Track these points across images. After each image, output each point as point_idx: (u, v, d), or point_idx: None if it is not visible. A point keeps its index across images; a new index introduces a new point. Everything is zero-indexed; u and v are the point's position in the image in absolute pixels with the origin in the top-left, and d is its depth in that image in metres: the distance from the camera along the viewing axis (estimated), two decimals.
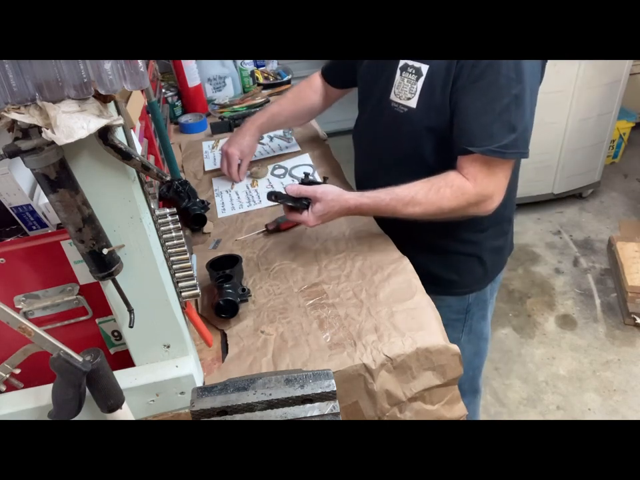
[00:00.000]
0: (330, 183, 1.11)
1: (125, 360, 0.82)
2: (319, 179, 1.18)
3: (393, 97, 1.09)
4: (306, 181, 1.09)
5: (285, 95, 1.47)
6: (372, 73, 1.16)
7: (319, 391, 0.62)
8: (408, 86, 1.05)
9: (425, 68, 1.02)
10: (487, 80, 0.95)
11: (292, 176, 1.43)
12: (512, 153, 0.99)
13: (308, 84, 1.42)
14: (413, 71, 1.04)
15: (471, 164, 1.01)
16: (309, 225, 1.06)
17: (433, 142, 1.07)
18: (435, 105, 1.03)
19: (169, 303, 0.75)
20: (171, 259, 0.77)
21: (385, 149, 1.16)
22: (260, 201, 1.34)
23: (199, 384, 0.82)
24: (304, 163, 1.48)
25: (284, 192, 1.05)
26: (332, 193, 1.05)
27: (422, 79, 1.03)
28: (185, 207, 1.23)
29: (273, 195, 1.06)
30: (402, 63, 1.07)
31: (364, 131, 1.24)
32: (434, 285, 1.17)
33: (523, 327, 2.33)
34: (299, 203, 1.06)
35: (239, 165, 1.43)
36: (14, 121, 0.54)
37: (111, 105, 0.60)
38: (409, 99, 1.06)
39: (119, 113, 0.62)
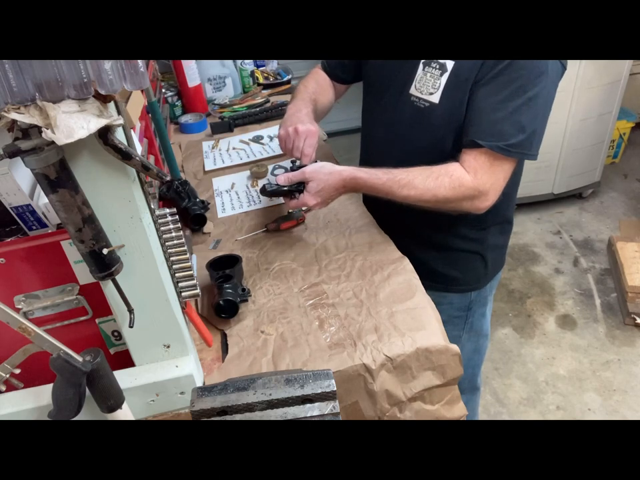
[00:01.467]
0: None
1: (125, 360, 0.82)
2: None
3: (413, 90, 1.08)
4: (294, 167, 1.09)
5: (305, 83, 1.30)
6: (389, 65, 1.14)
7: (319, 391, 0.62)
8: (431, 81, 1.04)
9: (450, 64, 1.01)
10: (505, 78, 0.95)
11: None
12: (517, 153, 0.99)
13: (319, 76, 1.32)
14: (437, 66, 1.03)
15: (474, 158, 1.01)
16: (310, 205, 1.06)
17: (454, 138, 1.06)
18: (459, 101, 1.02)
19: (169, 302, 0.74)
20: (171, 258, 0.77)
21: (402, 143, 1.15)
22: (260, 201, 1.34)
23: (199, 384, 0.82)
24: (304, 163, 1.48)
25: (274, 183, 1.06)
26: (323, 168, 1.05)
27: (446, 75, 1.02)
28: (184, 206, 1.23)
29: (264, 189, 1.06)
30: None
31: (377, 124, 1.22)
32: (436, 282, 1.17)
33: (523, 327, 2.33)
34: (292, 188, 1.05)
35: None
36: (14, 121, 0.54)
37: (111, 105, 0.60)
38: (431, 93, 1.05)
39: (119, 113, 0.61)
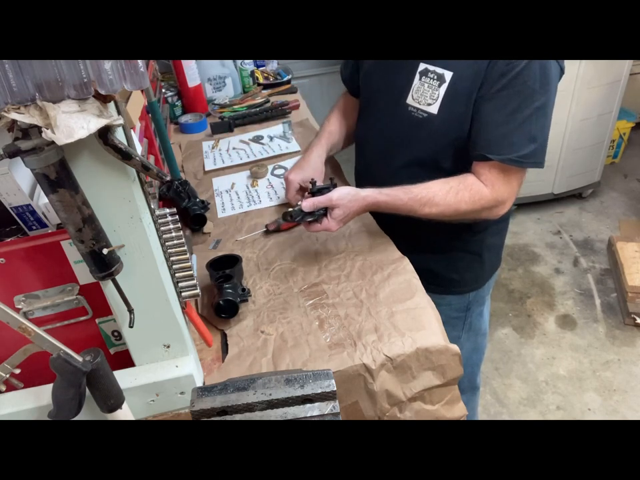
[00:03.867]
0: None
1: (125, 360, 0.82)
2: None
3: (410, 101, 1.07)
4: (315, 190, 1.06)
5: (328, 115, 1.34)
6: (383, 74, 1.14)
7: (319, 391, 0.62)
8: (429, 91, 1.04)
9: (448, 74, 1.01)
10: (512, 90, 0.95)
11: None
12: (530, 163, 1.00)
13: (345, 99, 1.34)
14: (435, 77, 1.03)
15: (489, 170, 1.01)
16: (332, 231, 1.05)
17: (452, 149, 1.06)
18: (458, 113, 1.02)
19: (169, 302, 0.74)
20: (171, 258, 0.77)
21: (399, 153, 1.14)
22: (260, 201, 1.34)
23: (199, 384, 0.82)
24: None
25: (297, 209, 1.02)
26: (348, 195, 1.03)
27: (445, 86, 1.01)
28: (184, 206, 1.23)
29: (289, 216, 1.03)
30: (422, 67, 1.05)
31: (372, 133, 1.21)
32: (435, 284, 1.17)
33: (523, 327, 2.33)
34: (316, 215, 1.03)
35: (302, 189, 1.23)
36: (14, 121, 0.54)
37: (111, 105, 0.60)
38: (429, 104, 1.04)
39: (119, 113, 0.61)
